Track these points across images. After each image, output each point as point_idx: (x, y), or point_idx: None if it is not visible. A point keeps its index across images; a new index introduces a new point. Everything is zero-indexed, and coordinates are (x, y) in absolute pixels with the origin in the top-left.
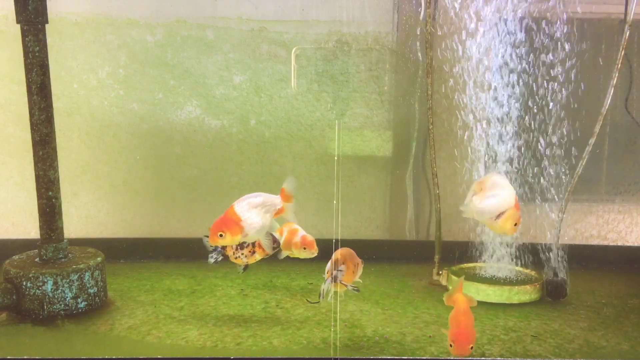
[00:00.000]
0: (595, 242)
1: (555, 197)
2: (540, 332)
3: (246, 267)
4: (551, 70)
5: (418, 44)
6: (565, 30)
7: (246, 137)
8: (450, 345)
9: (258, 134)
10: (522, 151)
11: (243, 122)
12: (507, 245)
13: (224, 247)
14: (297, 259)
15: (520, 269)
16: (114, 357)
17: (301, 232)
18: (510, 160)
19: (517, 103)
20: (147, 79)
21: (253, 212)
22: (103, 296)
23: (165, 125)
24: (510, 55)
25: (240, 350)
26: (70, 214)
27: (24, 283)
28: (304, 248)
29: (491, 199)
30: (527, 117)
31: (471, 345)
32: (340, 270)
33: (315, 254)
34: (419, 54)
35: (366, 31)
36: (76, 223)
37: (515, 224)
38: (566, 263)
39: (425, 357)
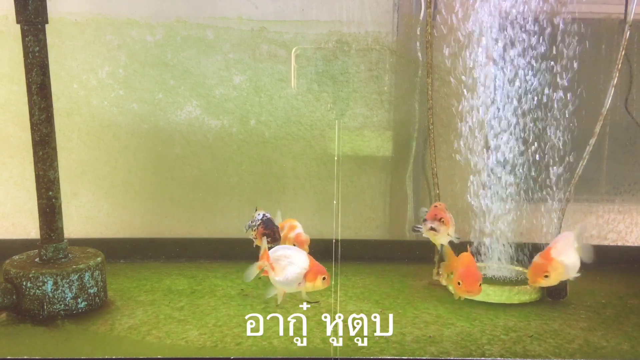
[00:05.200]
0: (595, 242)
1: (556, 197)
2: (540, 332)
3: None
4: (552, 70)
5: (418, 44)
6: (564, 31)
7: (246, 137)
8: (459, 284)
9: (258, 134)
10: (522, 151)
11: (243, 122)
12: (508, 246)
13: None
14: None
15: (521, 269)
16: (114, 357)
17: (299, 229)
18: (510, 159)
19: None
20: (147, 79)
21: None
22: (103, 296)
23: (165, 125)
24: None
25: (240, 350)
26: (70, 214)
27: (24, 283)
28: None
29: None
30: (526, 118)
31: (480, 283)
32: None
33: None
34: (419, 54)
35: (366, 31)
36: (76, 223)
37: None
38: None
39: (425, 357)
